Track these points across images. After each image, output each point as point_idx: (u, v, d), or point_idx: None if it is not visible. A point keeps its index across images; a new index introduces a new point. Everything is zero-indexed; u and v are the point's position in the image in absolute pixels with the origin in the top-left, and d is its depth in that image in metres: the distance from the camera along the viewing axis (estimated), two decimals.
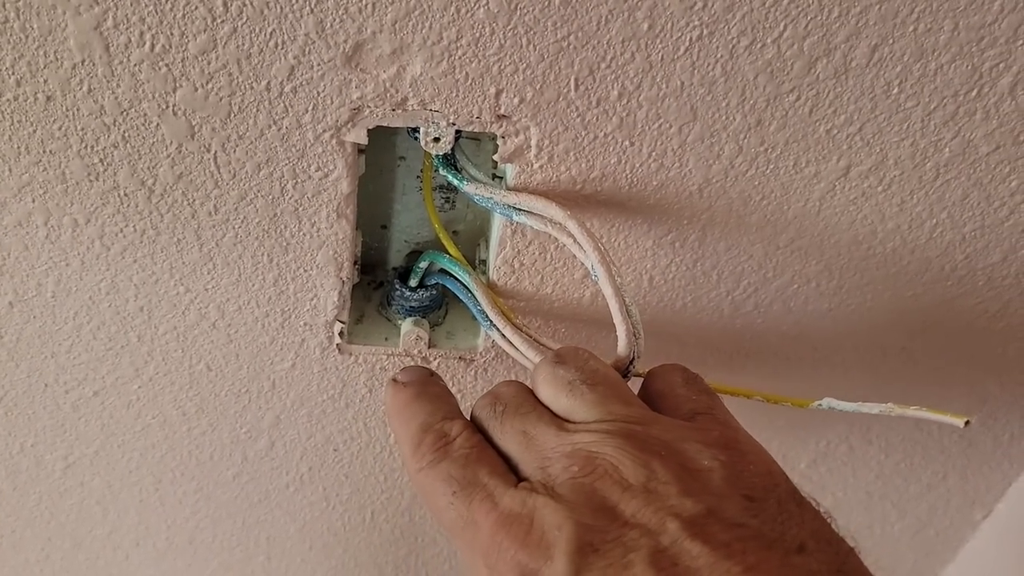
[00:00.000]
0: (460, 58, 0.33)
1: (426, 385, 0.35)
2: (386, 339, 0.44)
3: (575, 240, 0.35)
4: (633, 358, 0.35)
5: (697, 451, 0.29)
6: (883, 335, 0.46)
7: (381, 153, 0.41)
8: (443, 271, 0.42)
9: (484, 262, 0.43)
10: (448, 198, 0.43)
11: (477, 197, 0.37)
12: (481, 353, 0.44)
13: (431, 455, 0.31)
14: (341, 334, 0.42)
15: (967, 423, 0.40)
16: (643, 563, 0.25)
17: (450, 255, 0.41)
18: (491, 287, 0.41)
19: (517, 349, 0.38)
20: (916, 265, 0.42)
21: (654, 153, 0.36)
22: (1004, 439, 0.55)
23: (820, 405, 0.40)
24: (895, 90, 0.35)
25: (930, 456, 0.56)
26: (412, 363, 0.44)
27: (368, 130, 0.35)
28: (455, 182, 0.37)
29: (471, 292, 0.40)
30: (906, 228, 0.40)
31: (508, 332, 0.39)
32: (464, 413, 0.34)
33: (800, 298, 0.43)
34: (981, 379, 0.50)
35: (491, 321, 0.39)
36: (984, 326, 0.46)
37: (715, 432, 0.30)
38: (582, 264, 0.38)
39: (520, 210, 0.36)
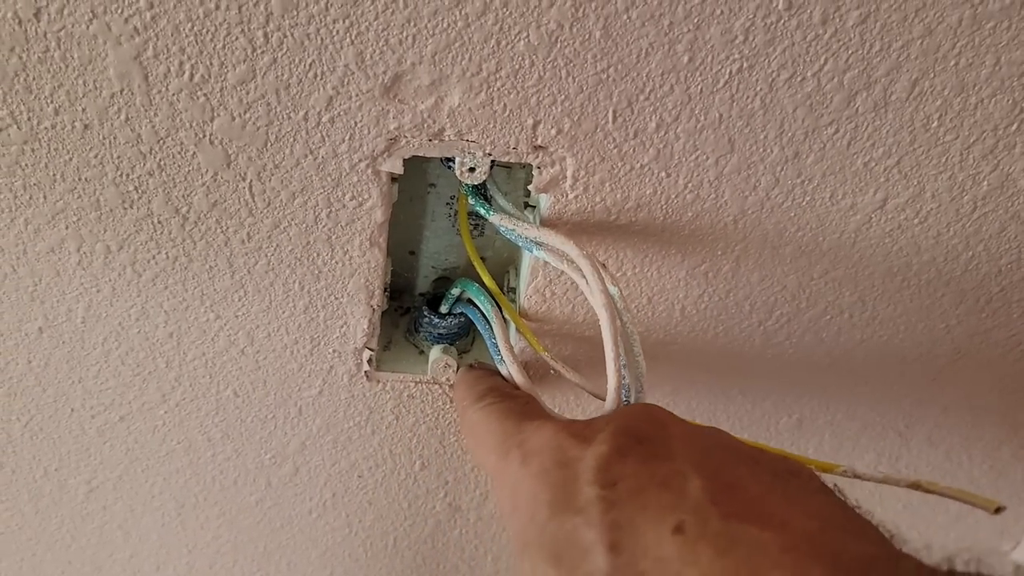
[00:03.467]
0: (499, 89, 0.32)
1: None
2: (414, 366, 0.43)
3: (587, 282, 0.33)
4: None
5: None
6: (915, 366, 0.46)
7: (412, 180, 0.41)
8: (469, 300, 0.41)
9: (514, 290, 0.42)
10: (477, 224, 0.43)
11: (502, 228, 0.36)
12: None
13: (491, 399, 0.35)
14: (370, 361, 0.42)
15: (998, 510, 0.37)
16: (683, 457, 0.27)
17: (479, 283, 0.40)
18: (523, 314, 0.41)
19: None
20: (951, 297, 0.41)
21: (690, 184, 0.36)
22: None
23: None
24: (934, 123, 0.34)
25: (958, 485, 0.55)
26: (440, 391, 0.44)
27: (404, 160, 0.34)
28: (483, 212, 0.37)
29: (489, 323, 0.39)
30: (941, 260, 0.40)
31: (514, 371, 0.38)
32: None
33: (832, 329, 0.43)
34: (1013, 409, 0.50)
35: (501, 356, 0.38)
36: (1017, 358, 0.45)
37: None
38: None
39: (540, 244, 0.35)
